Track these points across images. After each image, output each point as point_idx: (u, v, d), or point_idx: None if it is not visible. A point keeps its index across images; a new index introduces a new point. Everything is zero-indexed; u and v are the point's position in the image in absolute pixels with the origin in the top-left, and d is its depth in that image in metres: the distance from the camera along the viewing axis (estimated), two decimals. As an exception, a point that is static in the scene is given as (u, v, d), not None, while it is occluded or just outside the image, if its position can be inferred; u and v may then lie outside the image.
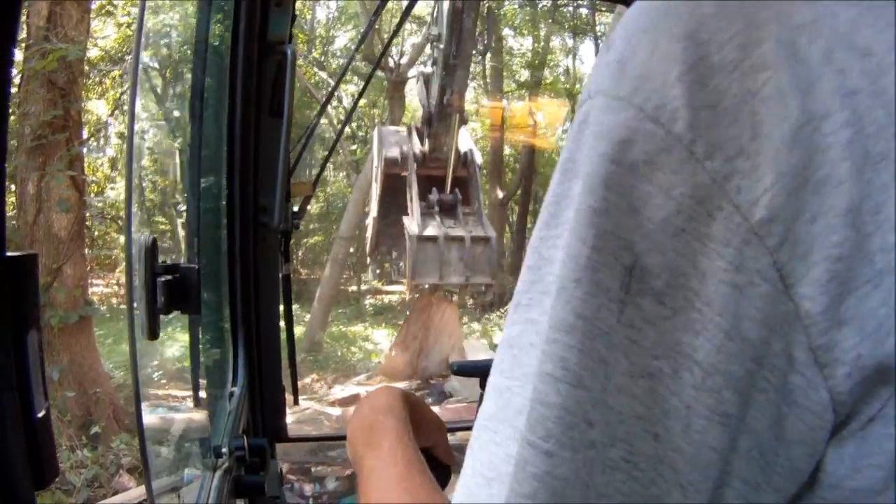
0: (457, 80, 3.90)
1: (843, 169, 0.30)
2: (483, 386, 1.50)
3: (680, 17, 0.33)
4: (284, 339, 1.94)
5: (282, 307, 1.87)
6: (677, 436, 0.31)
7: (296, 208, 1.89)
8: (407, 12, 2.39)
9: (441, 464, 0.72)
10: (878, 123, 0.31)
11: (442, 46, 3.84)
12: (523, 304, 0.36)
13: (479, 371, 1.58)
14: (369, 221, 5.15)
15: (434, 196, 4.53)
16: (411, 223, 4.43)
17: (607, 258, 0.32)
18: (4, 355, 0.44)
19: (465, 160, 4.63)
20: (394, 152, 4.61)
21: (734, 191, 0.31)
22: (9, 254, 0.44)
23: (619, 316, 0.32)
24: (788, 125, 0.31)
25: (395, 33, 3.28)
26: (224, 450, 1.20)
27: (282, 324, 1.87)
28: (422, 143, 4.66)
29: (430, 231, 4.41)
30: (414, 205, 4.47)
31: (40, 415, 0.46)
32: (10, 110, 0.43)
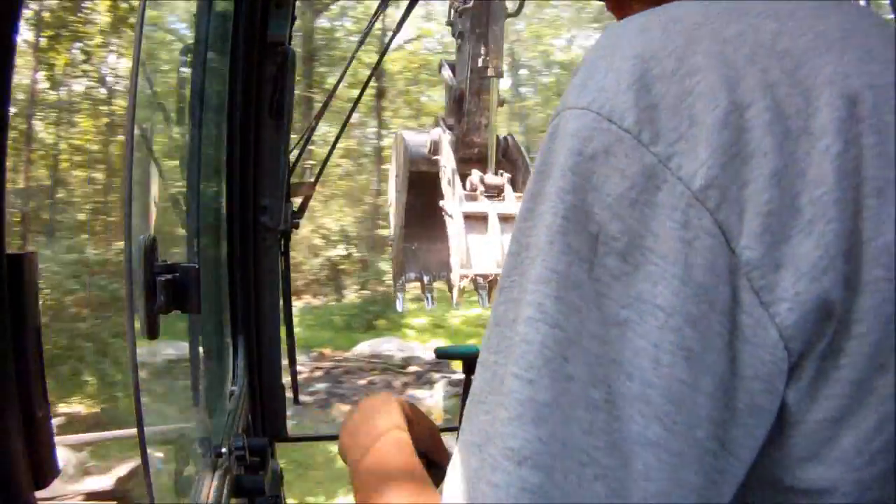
0: (491, 35, 3.25)
1: (767, 143, 0.37)
2: (466, 370, 1.51)
3: (631, 41, 0.41)
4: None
5: (282, 307, 1.87)
6: (649, 372, 0.36)
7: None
8: (407, 12, 2.40)
9: (438, 467, 0.73)
10: (796, 106, 0.38)
11: (471, 4, 3.22)
12: (506, 286, 0.41)
13: (462, 355, 1.60)
14: (393, 237, 4.06)
15: (476, 177, 3.51)
16: (451, 202, 3.46)
17: (576, 225, 0.38)
18: (4, 355, 0.44)
19: (505, 148, 3.64)
20: (421, 149, 3.71)
21: (676, 167, 0.37)
22: (9, 252, 0.44)
23: (590, 273, 0.38)
24: (718, 113, 0.37)
25: (396, 33, 3.09)
26: (224, 449, 1.20)
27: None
28: (452, 131, 3.71)
29: (478, 208, 3.43)
30: (455, 184, 3.50)
31: (40, 415, 0.46)
32: None
